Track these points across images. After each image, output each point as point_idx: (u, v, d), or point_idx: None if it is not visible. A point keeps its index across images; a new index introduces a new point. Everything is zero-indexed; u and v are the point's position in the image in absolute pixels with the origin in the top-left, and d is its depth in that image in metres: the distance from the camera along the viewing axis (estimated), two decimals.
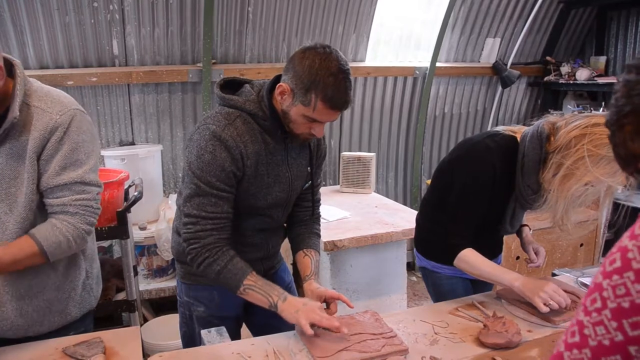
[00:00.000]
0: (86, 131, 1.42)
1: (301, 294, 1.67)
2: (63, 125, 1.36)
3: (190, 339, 1.80)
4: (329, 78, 1.38)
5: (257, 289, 1.49)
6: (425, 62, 4.11)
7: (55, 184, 1.37)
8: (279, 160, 1.58)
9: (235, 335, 1.73)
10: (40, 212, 1.41)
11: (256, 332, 1.82)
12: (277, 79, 1.53)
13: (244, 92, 1.57)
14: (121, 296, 2.47)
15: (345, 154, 3.71)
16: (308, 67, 1.40)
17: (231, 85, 1.62)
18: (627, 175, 0.83)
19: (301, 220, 1.80)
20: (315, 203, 1.81)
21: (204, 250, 1.50)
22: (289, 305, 1.46)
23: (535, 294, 1.54)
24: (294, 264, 1.80)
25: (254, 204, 1.59)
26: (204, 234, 1.49)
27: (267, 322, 1.71)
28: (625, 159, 0.80)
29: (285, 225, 1.83)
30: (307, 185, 1.73)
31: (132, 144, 3.42)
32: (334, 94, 1.40)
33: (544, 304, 1.52)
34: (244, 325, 1.89)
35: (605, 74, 4.33)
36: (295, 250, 1.78)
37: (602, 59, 4.39)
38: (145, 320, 2.99)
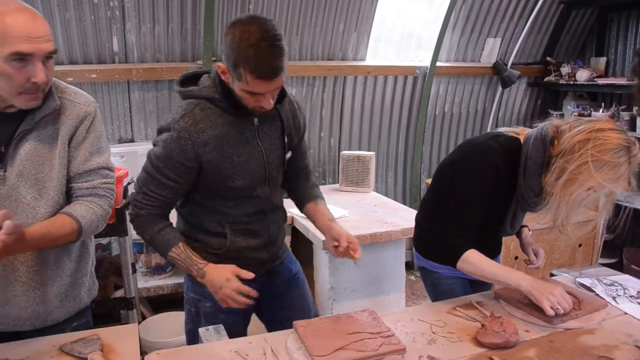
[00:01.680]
0: (102, 122, 1.53)
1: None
2: (91, 115, 1.47)
3: (195, 336, 1.82)
4: (249, 50, 1.39)
5: (180, 262, 1.61)
6: (426, 62, 4.10)
7: (86, 169, 1.46)
8: (248, 137, 1.61)
9: (243, 329, 1.81)
10: (67, 196, 1.47)
11: (268, 325, 1.89)
12: None
13: (201, 81, 1.61)
14: (119, 293, 2.47)
15: (344, 152, 3.71)
16: (230, 42, 1.42)
17: (193, 79, 1.67)
18: None
19: (298, 186, 1.89)
20: (306, 168, 1.89)
21: (137, 220, 1.63)
22: (209, 283, 1.58)
23: (544, 296, 1.53)
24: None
25: (233, 185, 1.61)
26: (140, 205, 1.61)
27: (277, 317, 1.82)
28: None
29: (283, 208, 1.86)
30: (288, 155, 1.75)
31: (132, 141, 3.41)
32: (258, 64, 1.40)
33: (551, 308, 1.51)
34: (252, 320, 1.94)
35: (605, 75, 4.33)
36: (302, 204, 1.87)
37: (603, 60, 4.39)
38: (144, 317, 2.99)
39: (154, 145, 1.59)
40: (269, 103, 1.51)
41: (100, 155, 1.49)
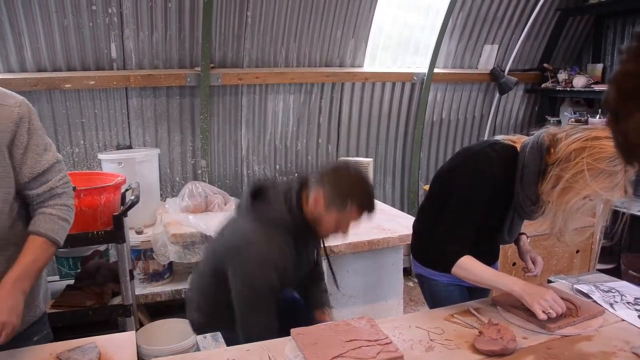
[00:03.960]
0: (38, 118, 1.48)
1: None
2: (25, 115, 1.40)
3: None
4: (364, 189, 1.70)
5: None
6: (423, 68, 4.12)
7: (39, 170, 1.43)
8: (302, 252, 1.80)
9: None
10: (16, 201, 1.44)
11: None
12: (300, 183, 1.76)
13: (272, 202, 1.72)
14: (117, 300, 2.46)
15: (342, 159, 3.71)
16: (346, 179, 1.69)
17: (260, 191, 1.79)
18: (630, 165, 0.78)
19: (313, 289, 2.07)
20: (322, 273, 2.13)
21: None
22: None
23: (535, 300, 1.54)
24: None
25: (284, 291, 1.82)
26: None
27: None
28: (631, 152, 0.74)
29: None
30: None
31: (130, 147, 3.41)
32: (368, 201, 1.71)
33: (542, 312, 1.52)
34: None
35: (602, 81, 4.34)
36: (311, 307, 2.04)
37: (599, 67, 4.41)
38: (141, 324, 2.98)
39: (245, 286, 1.67)
40: (348, 231, 1.76)
41: (47, 153, 1.46)
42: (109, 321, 2.68)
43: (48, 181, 1.46)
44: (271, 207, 1.72)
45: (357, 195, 1.67)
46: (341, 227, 1.73)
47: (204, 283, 1.88)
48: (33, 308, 1.53)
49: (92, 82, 3.12)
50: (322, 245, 1.95)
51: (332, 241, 2.62)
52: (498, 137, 1.77)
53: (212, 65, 3.41)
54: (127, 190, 2.62)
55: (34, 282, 1.41)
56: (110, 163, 3.05)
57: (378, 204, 3.48)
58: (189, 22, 3.27)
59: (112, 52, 3.20)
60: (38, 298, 1.55)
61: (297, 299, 2.08)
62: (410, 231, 2.09)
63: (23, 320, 1.45)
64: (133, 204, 2.36)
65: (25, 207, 1.49)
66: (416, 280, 2.09)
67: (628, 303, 1.73)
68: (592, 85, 4.18)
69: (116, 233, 2.30)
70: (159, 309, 3.29)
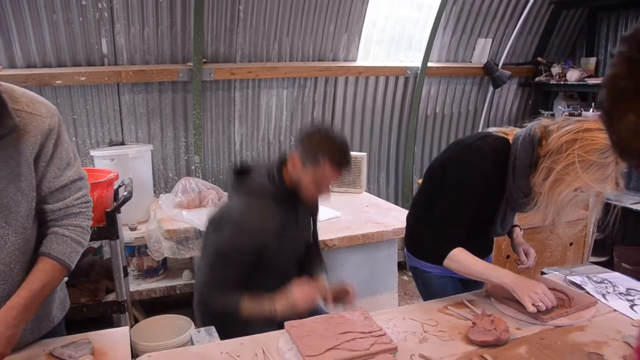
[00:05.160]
0: (65, 130, 1.42)
1: None
2: (55, 127, 1.34)
3: None
4: (332, 144, 1.74)
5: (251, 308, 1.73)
6: (417, 62, 4.12)
7: (57, 185, 1.36)
8: (291, 224, 1.84)
9: None
10: (36, 217, 1.38)
11: None
12: (281, 159, 1.83)
13: (255, 176, 1.81)
14: (111, 297, 2.45)
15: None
16: (317, 136, 1.75)
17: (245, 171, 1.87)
18: (632, 167, 0.79)
19: (315, 268, 2.06)
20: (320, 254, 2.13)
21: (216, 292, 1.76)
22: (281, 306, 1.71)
23: (525, 293, 1.54)
24: None
25: (278, 263, 1.81)
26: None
27: None
28: (625, 151, 0.75)
29: None
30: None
31: (122, 143, 3.39)
32: (339, 154, 1.73)
33: (532, 304, 1.52)
34: None
35: (595, 75, 4.36)
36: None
37: (592, 60, 4.42)
38: (136, 321, 2.98)
39: (218, 233, 1.75)
40: (328, 191, 1.80)
41: (70, 168, 1.39)
42: (103, 318, 2.67)
43: (65, 198, 1.38)
44: (253, 179, 1.80)
45: (328, 150, 1.71)
46: (321, 187, 1.77)
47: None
48: (50, 318, 1.48)
49: (83, 78, 3.10)
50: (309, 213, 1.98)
51: (326, 235, 2.64)
52: (490, 130, 1.77)
53: (204, 60, 3.39)
54: (120, 186, 2.61)
55: (39, 308, 1.35)
56: (103, 159, 3.03)
57: (372, 197, 3.53)
58: (180, 17, 3.25)
59: (103, 48, 3.18)
60: (52, 310, 1.49)
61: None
62: (404, 225, 2.10)
63: (38, 332, 1.44)
64: (126, 200, 2.35)
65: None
66: (411, 274, 2.09)
67: (620, 294, 1.74)
68: (586, 79, 4.20)
69: (109, 229, 2.29)
70: (153, 306, 3.29)
